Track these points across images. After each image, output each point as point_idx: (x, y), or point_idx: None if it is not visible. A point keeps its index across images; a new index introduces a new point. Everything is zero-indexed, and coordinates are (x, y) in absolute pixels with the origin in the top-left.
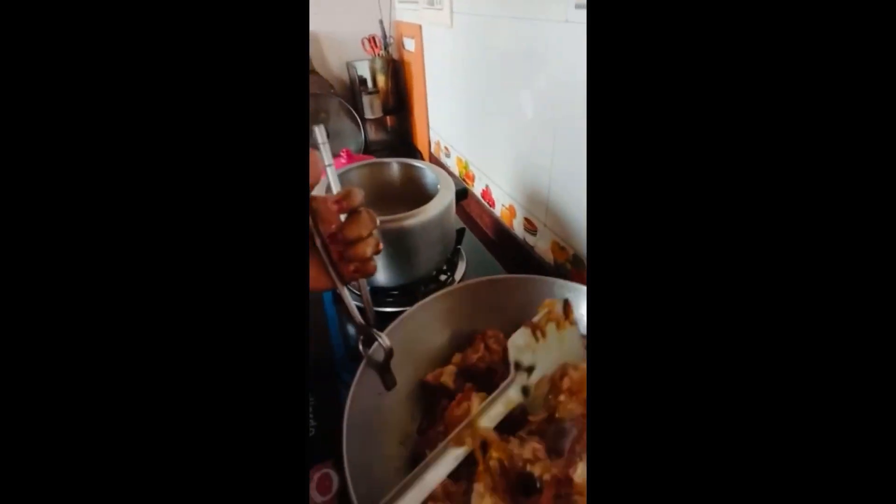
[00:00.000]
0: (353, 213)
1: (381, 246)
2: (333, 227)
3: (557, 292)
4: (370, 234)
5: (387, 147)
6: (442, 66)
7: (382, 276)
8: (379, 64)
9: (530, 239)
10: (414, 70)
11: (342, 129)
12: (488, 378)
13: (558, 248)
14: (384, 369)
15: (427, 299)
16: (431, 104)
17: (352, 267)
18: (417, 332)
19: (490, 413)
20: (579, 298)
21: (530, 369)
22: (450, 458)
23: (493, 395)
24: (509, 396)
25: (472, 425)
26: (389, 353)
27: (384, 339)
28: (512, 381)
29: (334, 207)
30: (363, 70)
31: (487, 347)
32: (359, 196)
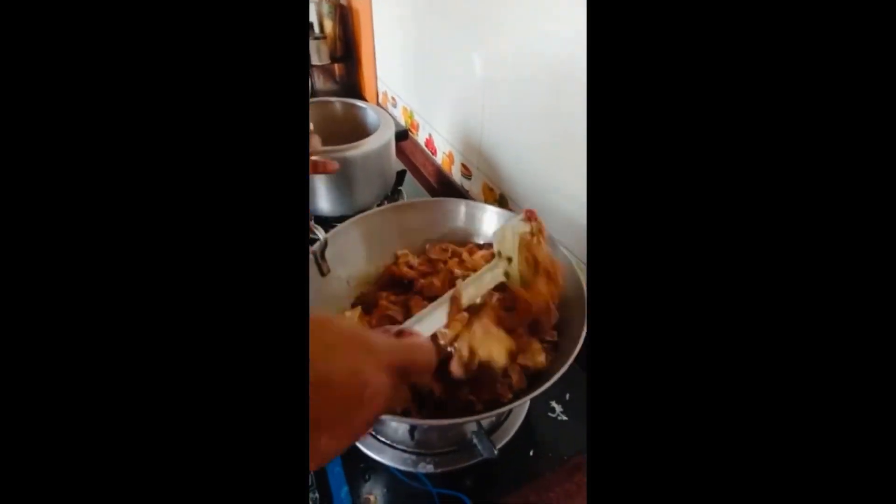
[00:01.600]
0: None
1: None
2: None
3: (467, 211)
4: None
5: (335, 97)
6: (390, 16)
7: (326, 206)
8: (326, 8)
9: (466, 184)
10: (362, 17)
11: None
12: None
13: (488, 189)
14: (321, 257)
15: (358, 216)
16: (379, 54)
17: None
18: (351, 240)
19: (474, 286)
20: (484, 213)
21: (509, 259)
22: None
23: (480, 272)
24: (495, 274)
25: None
26: (325, 244)
27: (321, 233)
28: (496, 265)
29: None
30: (310, 13)
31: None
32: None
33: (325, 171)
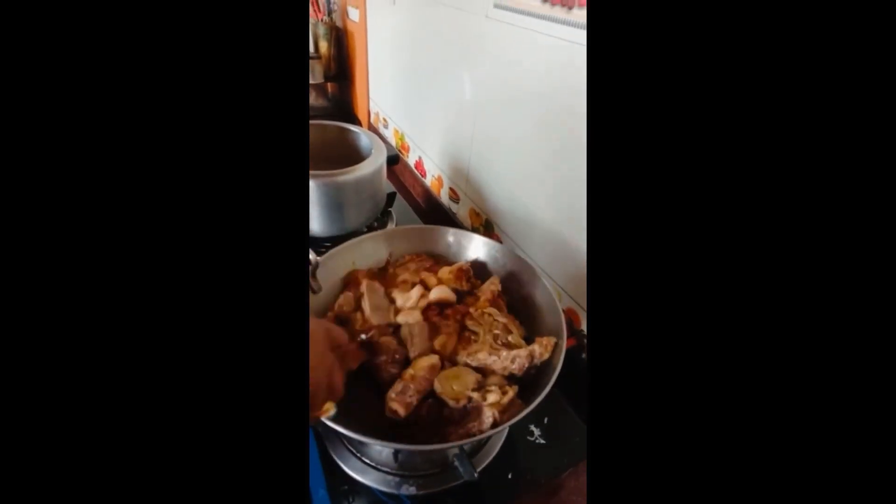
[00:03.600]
0: None
1: None
2: None
3: (454, 239)
4: None
5: (328, 115)
6: (384, 40)
7: (317, 227)
8: (322, 30)
9: (454, 207)
10: (357, 40)
11: None
12: None
13: (474, 213)
14: (312, 277)
15: (351, 241)
16: (372, 75)
17: None
18: (342, 261)
19: None
20: (470, 241)
21: None
22: None
23: None
24: None
25: None
26: (316, 265)
27: (312, 255)
28: None
29: None
30: None
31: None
32: None
33: None
